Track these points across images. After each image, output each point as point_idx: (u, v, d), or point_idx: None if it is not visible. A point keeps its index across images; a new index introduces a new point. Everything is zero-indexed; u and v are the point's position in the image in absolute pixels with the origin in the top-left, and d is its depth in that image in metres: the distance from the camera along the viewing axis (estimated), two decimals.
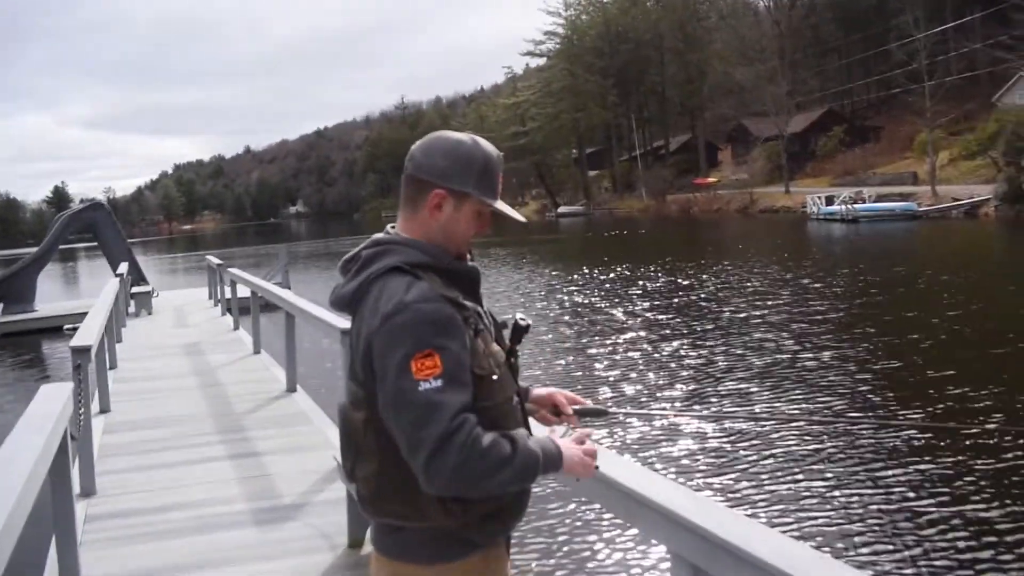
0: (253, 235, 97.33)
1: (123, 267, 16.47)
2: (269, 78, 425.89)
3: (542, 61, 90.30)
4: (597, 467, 1.92)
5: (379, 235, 1.87)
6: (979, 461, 7.15)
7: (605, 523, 6.21)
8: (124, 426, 7.17)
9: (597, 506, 5.90)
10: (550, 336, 14.76)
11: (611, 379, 11.15)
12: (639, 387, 10.61)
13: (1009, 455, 7.27)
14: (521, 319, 1.93)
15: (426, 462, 1.60)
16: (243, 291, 12.31)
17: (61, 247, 22.54)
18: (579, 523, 6.35)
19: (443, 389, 1.62)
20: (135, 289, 16.90)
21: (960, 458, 7.26)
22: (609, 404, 9.56)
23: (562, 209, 79.77)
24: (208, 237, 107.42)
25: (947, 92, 46.29)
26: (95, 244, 22.88)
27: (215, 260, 16.28)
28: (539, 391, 2.11)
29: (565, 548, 5.98)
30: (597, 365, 12.12)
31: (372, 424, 1.74)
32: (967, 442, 7.62)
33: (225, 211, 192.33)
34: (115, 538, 4.68)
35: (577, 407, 2.09)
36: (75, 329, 6.69)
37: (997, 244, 27.68)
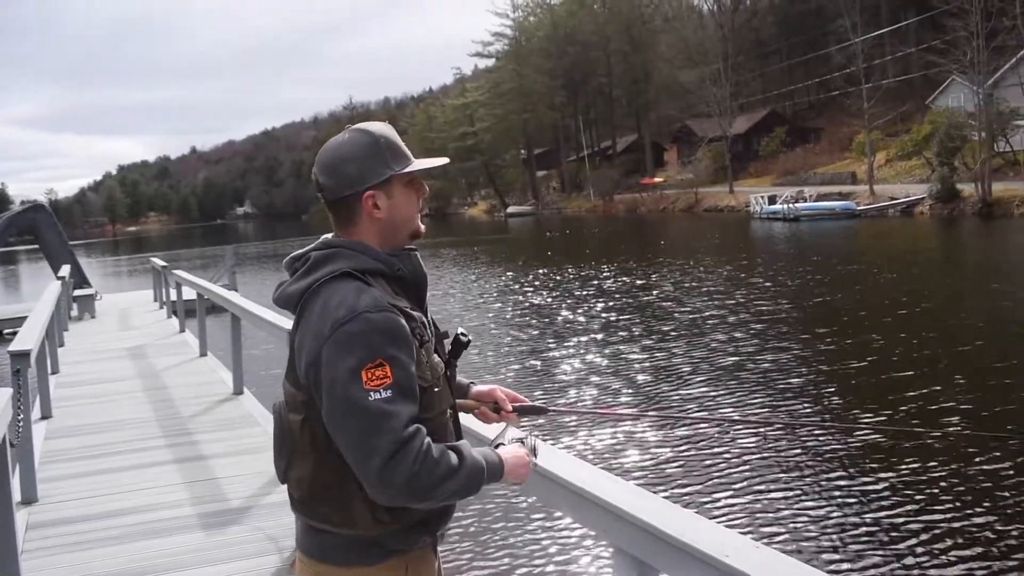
0: (200, 236, 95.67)
1: (65, 270, 16.08)
2: (216, 78, 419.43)
3: (491, 62, 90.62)
4: (535, 464, 1.95)
5: (329, 236, 1.83)
6: (932, 463, 7.39)
7: (549, 519, 6.28)
8: (66, 432, 7.04)
9: (540, 502, 5.99)
10: (503, 337, 14.83)
11: (559, 378, 11.25)
12: (587, 387, 10.73)
13: (961, 455, 7.54)
14: (463, 334, 1.92)
15: (380, 470, 1.59)
16: (189, 293, 12.13)
17: (1, 250, 21.89)
18: (522, 519, 6.41)
19: (393, 400, 1.62)
20: (77, 292, 16.54)
21: (910, 459, 7.50)
22: (549, 403, 9.68)
23: (511, 209, 79.95)
24: (153, 239, 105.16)
25: (883, 95, 47.57)
26: (36, 247, 22.29)
27: (160, 262, 16.04)
28: (480, 387, 2.12)
29: (509, 545, 6.03)
30: (545, 365, 12.22)
31: (308, 426, 1.73)
32: (919, 442, 7.89)
33: (171, 212, 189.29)
34: (58, 546, 4.60)
35: (517, 404, 2.09)
36: (15, 333, 6.55)
37: (932, 242, 28.48)
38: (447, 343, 1.92)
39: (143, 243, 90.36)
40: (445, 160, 1.99)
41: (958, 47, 35.75)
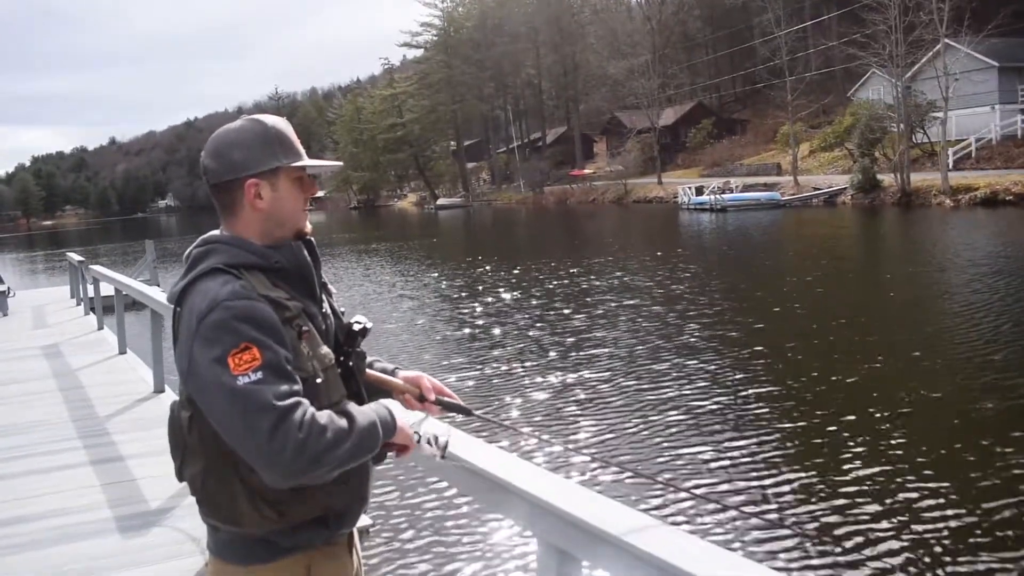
0: (119, 230, 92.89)
1: None
2: (136, 67, 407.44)
3: (419, 53, 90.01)
4: (443, 457, 1.94)
5: (211, 233, 1.83)
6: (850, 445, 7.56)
7: (472, 511, 6.23)
8: None
9: (463, 495, 5.96)
10: (428, 341, 14.75)
11: (484, 385, 10.93)
12: (514, 396, 10.59)
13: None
14: (357, 322, 1.90)
15: (265, 448, 1.57)
16: (107, 289, 11.72)
17: None
18: (445, 512, 6.34)
19: (264, 380, 1.60)
20: None
21: (820, 452, 7.66)
22: (476, 408, 9.65)
23: (441, 201, 79.72)
24: (71, 233, 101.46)
25: (806, 87, 48.87)
26: None
27: (77, 256, 15.52)
28: (407, 373, 2.08)
29: (432, 539, 5.95)
30: (475, 370, 12.15)
31: (196, 423, 1.72)
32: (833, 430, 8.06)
33: (89, 206, 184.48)
34: None
35: (443, 398, 2.05)
36: None
37: (855, 231, 29.28)
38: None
39: (60, 237, 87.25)
40: (339, 164, 2.01)
41: (877, 41, 36.79)
